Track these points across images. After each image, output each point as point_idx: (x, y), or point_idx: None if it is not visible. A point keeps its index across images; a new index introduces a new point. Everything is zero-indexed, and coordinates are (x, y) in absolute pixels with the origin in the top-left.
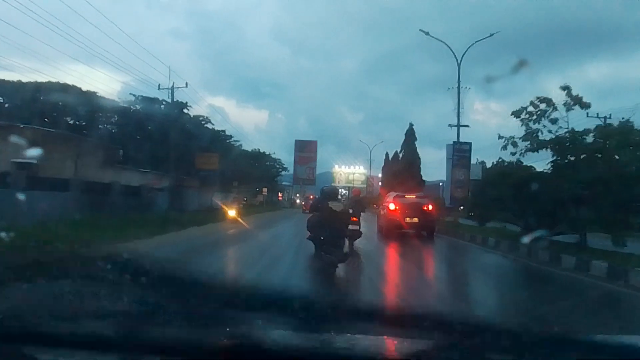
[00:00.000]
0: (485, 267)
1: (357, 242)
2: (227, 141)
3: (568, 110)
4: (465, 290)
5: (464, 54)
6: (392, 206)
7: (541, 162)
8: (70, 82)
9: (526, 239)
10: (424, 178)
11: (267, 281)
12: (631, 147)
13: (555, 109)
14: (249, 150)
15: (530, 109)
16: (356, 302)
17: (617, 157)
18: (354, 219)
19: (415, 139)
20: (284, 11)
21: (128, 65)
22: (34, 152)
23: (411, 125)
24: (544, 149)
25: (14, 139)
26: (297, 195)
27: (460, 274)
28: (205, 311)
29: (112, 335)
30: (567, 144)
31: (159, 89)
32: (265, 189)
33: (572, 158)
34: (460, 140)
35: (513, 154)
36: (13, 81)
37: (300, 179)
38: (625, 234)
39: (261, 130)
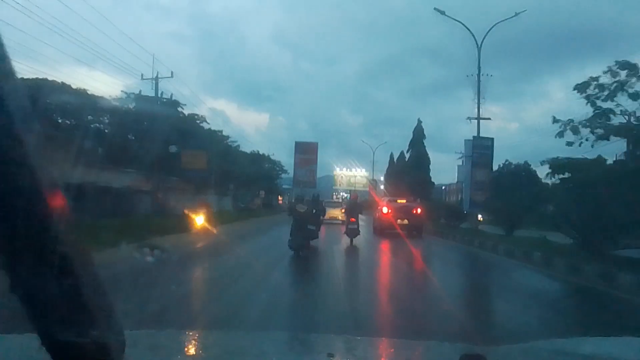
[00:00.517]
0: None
1: (356, 240)
2: (225, 142)
3: None
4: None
5: (484, 36)
6: (385, 209)
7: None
8: (60, 81)
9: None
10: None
11: None
12: None
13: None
14: (248, 152)
15: (605, 79)
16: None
17: None
18: (353, 219)
19: (424, 137)
20: (285, 15)
21: (120, 61)
22: None
23: (419, 122)
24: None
25: None
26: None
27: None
28: None
29: None
30: None
31: (142, 79)
32: (262, 192)
33: None
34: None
35: (570, 144)
36: None
37: (300, 182)
38: None
39: (262, 133)
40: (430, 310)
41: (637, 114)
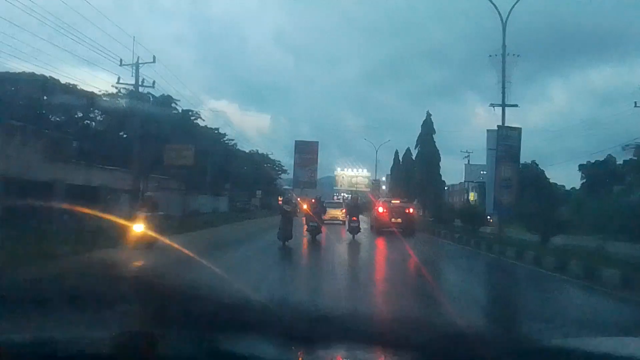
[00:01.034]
0: None
1: (357, 236)
2: (221, 140)
3: None
4: None
5: (510, 11)
6: (381, 209)
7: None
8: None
9: None
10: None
11: None
12: None
13: None
14: (247, 151)
15: None
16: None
17: None
18: (354, 218)
19: (434, 132)
20: (286, 17)
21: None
22: None
23: (429, 115)
24: None
25: None
26: (298, 199)
27: None
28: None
29: None
30: None
31: (120, 65)
32: (259, 192)
33: None
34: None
35: None
36: None
37: (300, 182)
38: None
39: (263, 134)
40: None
41: None
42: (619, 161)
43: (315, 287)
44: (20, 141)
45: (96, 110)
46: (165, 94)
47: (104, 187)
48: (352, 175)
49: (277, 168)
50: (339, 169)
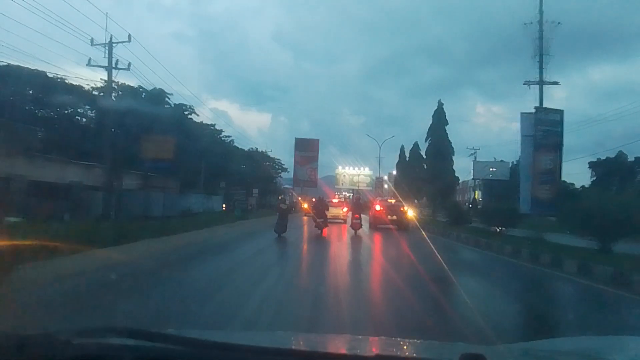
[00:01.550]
0: None
1: (359, 231)
2: (217, 136)
3: None
4: None
5: None
6: (377, 207)
7: None
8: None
9: None
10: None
11: None
12: None
13: None
14: (246, 149)
15: None
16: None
17: None
18: (357, 216)
19: (446, 123)
20: (285, 15)
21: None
22: None
23: (441, 104)
24: None
25: None
26: (299, 198)
27: None
28: None
29: None
30: None
31: (92, 44)
32: (256, 191)
33: None
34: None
35: None
36: None
37: (300, 181)
38: None
39: (264, 133)
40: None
41: None
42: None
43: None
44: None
45: (86, 106)
46: (157, 87)
47: (76, 185)
48: (353, 173)
49: (276, 166)
50: (340, 168)
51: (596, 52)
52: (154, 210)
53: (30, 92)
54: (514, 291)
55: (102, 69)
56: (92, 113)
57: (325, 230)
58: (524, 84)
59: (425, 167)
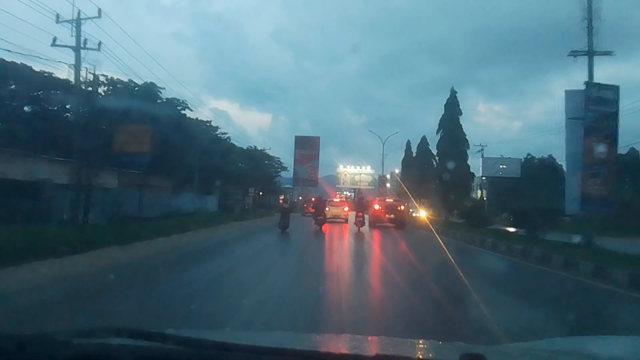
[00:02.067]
0: None
1: (362, 228)
2: (213, 133)
3: None
4: None
5: None
6: (376, 207)
7: None
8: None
9: None
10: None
11: None
12: None
13: None
14: (244, 147)
15: None
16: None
17: None
18: (360, 214)
19: (460, 113)
20: (285, 14)
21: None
22: None
23: (453, 93)
24: None
25: None
26: (300, 198)
27: None
28: None
29: None
30: None
31: (57, 22)
32: (252, 189)
33: None
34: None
35: None
36: None
37: (300, 180)
38: None
39: (264, 132)
40: None
41: None
42: None
43: None
44: None
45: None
46: (149, 81)
47: (47, 182)
48: (354, 172)
49: (276, 165)
50: (340, 166)
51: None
52: (136, 211)
53: (13, 86)
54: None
55: (69, 49)
56: (68, 107)
57: (326, 227)
58: (569, 55)
59: (434, 163)
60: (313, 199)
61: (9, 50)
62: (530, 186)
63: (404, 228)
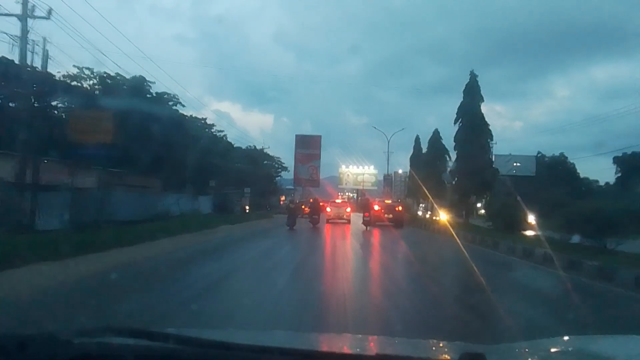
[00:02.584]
0: None
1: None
2: (207, 130)
3: None
4: None
5: None
6: (376, 207)
7: None
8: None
9: None
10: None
11: None
12: None
13: None
14: (243, 147)
15: None
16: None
17: None
18: (366, 214)
19: (482, 99)
20: (287, 16)
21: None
22: None
23: (474, 75)
24: None
25: None
26: (298, 201)
27: None
28: None
29: None
30: None
31: None
32: (247, 190)
33: None
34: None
35: None
36: None
37: (301, 180)
38: None
39: (266, 134)
40: None
41: None
42: None
43: None
44: None
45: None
46: (137, 75)
47: None
48: (357, 172)
49: (276, 165)
50: (343, 167)
51: (599, 51)
52: (112, 214)
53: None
54: None
55: (13, 18)
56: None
57: (328, 227)
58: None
59: (448, 159)
60: (310, 200)
61: None
62: (546, 185)
63: (402, 227)
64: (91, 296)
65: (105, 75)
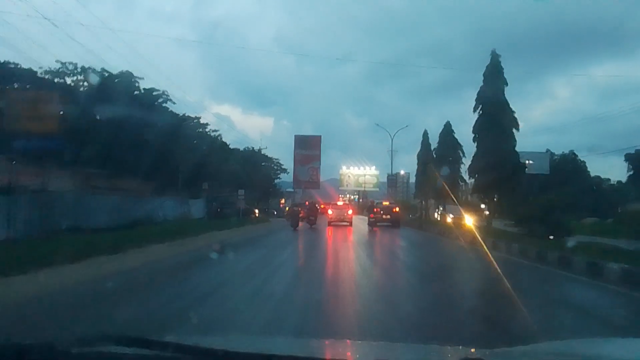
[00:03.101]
0: None
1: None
2: (200, 130)
3: None
4: None
5: None
6: (375, 208)
7: None
8: None
9: None
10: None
11: None
12: None
13: None
14: (241, 149)
15: None
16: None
17: None
18: (372, 215)
19: (506, 83)
20: (286, 19)
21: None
22: None
23: (496, 56)
24: None
25: None
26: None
27: None
28: None
29: None
30: None
31: None
32: (242, 191)
33: None
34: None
35: None
36: None
37: (301, 182)
38: None
39: (266, 136)
40: None
41: None
42: None
43: None
44: None
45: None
46: (124, 70)
47: None
48: (359, 173)
49: (275, 167)
50: (344, 168)
51: (600, 51)
52: (82, 220)
53: None
54: None
55: None
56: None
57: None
58: None
59: (461, 154)
60: (307, 202)
61: None
62: (558, 184)
63: (399, 227)
64: None
65: (89, 69)
